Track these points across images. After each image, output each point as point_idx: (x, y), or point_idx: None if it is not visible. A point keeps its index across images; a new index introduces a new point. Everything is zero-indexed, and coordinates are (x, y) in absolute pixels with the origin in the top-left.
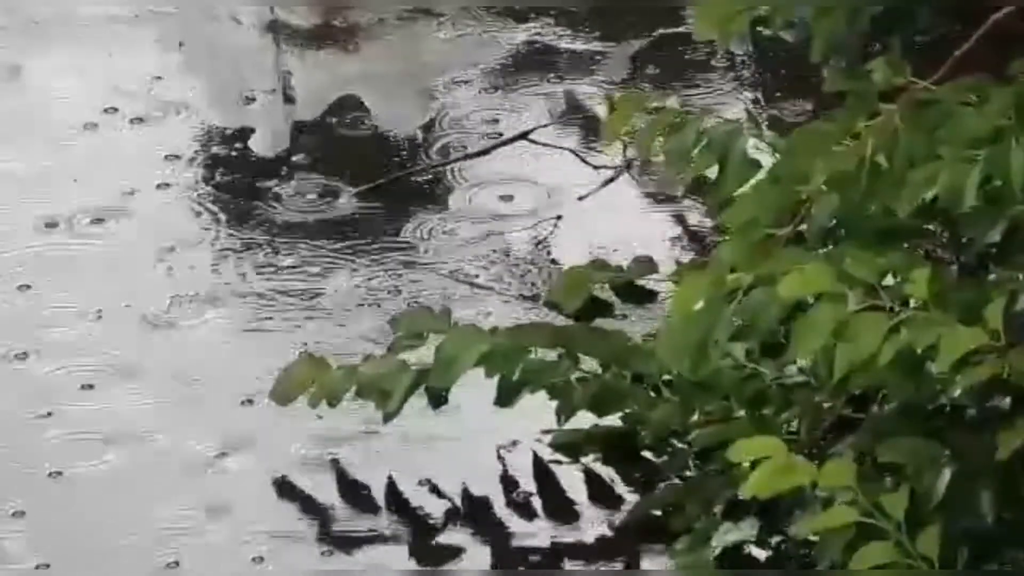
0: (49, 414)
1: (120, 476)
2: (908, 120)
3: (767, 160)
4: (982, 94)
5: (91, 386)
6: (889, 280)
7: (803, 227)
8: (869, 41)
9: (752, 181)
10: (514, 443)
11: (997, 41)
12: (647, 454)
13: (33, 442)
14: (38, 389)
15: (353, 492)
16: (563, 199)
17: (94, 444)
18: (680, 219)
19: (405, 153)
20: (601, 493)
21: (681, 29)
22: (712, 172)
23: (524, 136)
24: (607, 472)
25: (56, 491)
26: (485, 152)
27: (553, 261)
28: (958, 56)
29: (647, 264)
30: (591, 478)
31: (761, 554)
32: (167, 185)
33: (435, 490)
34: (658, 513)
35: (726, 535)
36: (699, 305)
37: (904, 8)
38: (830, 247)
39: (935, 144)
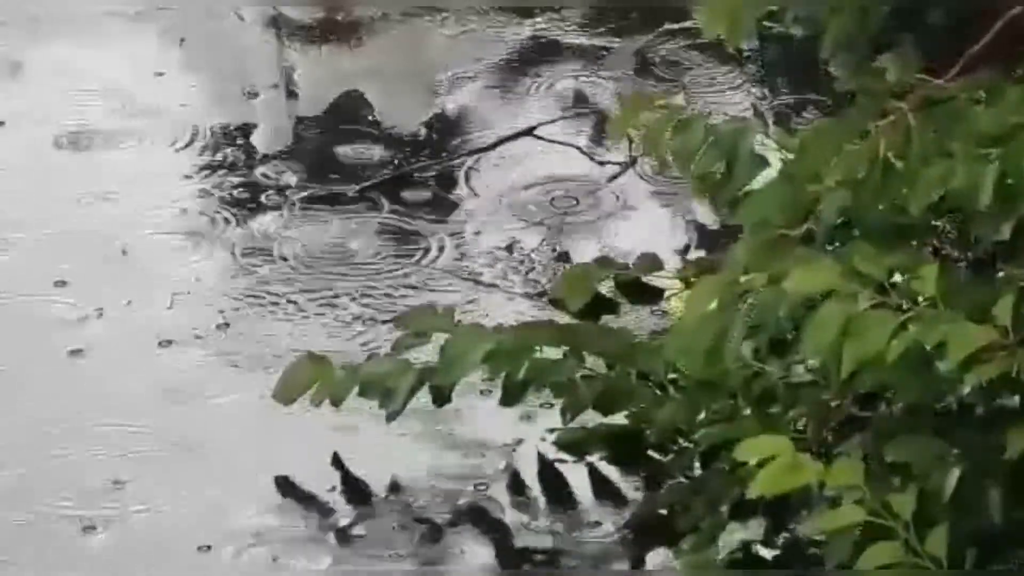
0: None
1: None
2: (921, 118)
3: (774, 158)
4: (994, 92)
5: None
6: (898, 278)
7: (814, 226)
8: (880, 37)
9: (759, 179)
10: (519, 441)
11: (1009, 39)
12: (653, 453)
13: None
14: None
15: (355, 490)
16: (568, 196)
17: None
18: (686, 216)
19: (408, 149)
20: (606, 492)
21: (687, 24)
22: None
23: (529, 132)
24: (612, 471)
25: None
26: (489, 148)
27: (558, 258)
28: (970, 54)
29: (652, 261)
30: (596, 477)
31: (768, 554)
32: (168, 182)
33: (438, 489)
34: (664, 512)
35: (732, 535)
36: (712, 306)
37: (915, 5)
38: (839, 245)
39: (947, 142)
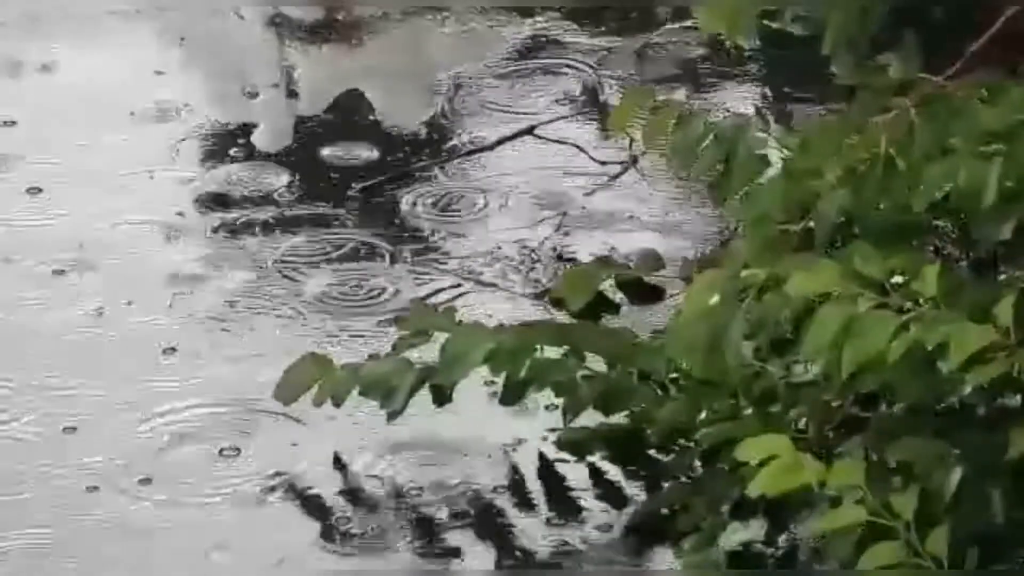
0: None
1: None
2: (922, 115)
3: (774, 156)
4: (995, 90)
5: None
6: (899, 278)
7: (814, 224)
8: (881, 35)
9: (761, 177)
10: (520, 441)
11: (1009, 37)
12: (654, 453)
13: None
14: None
15: (356, 490)
16: (569, 195)
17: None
18: (687, 215)
19: (409, 149)
20: (607, 492)
21: (687, 23)
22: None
23: (529, 131)
24: (613, 471)
25: None
26: (490, 148)
27: (559, 258)
28: (971, 53)
29: (653, 260)
30: (597, 477)
31: (769, 554)
32: (169, 181)
33: (439, 488)
34: (665, 512)
35: (733, 534)
36: (713, 301)
37: (916, 3)
38: (840, 244)
39: (948, 139)
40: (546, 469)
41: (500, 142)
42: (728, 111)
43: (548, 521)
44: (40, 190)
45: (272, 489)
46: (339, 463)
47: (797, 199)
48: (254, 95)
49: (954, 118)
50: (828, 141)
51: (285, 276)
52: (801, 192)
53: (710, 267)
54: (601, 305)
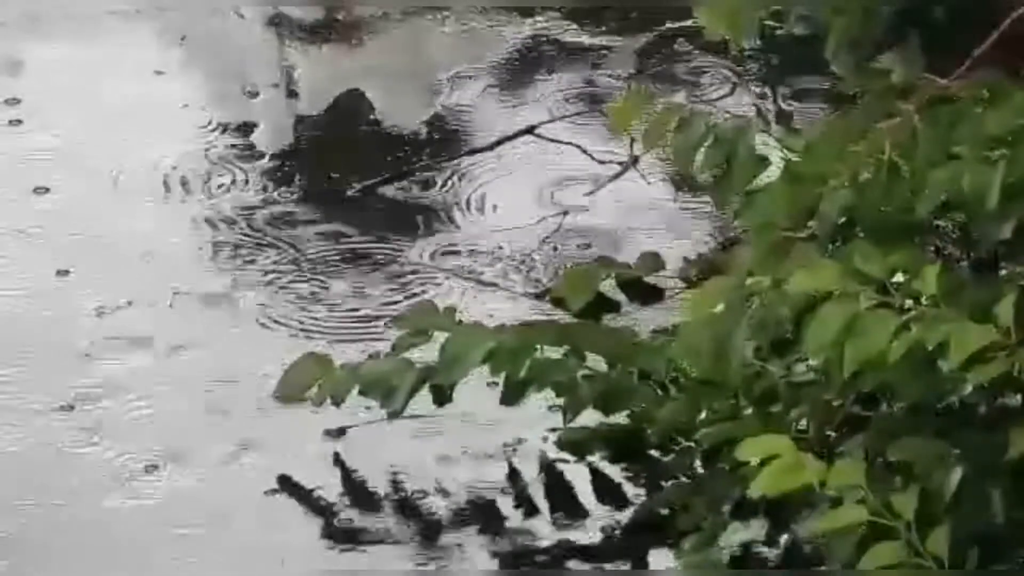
0: None
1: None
2: (925, 119)
3: (775, 156)
4: (998, 93)
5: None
6: (900, 277)
7: (817, 228)
8: (883, 37)
9: (761, 178)
10: (520, 441)
11: (1011, 40)
12: (654, 452)
13: None
14: None
15: (356, 490)
16: (569, 195)
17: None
18: (687, 215)
19: (409, 149)
20: (607, 492)
21: (688, 23)
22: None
23: (530, 131)
24: (613, 471)
25: None
26: (490, 148)
27: (559, 258)
28: (975, 56)
29: (654, 260)
30: (597, 476)
31: (769, 554)
32: (169, 181)
33: (440, 488)
34: (665, 512)
35: (734, 534)
36: (719, 308)
37: (919, 7)
38: (842, 244)
39: (951, 143)
40: (547, 468)
41: (500, 142)
42: (728, 112)
43: (551, 521)
44: (47, 189)
45: (275, 490)
46: (339, 462)
47: (801, 205)
48: (254, 95)
49: (957, 123)
50: (832, 146)
51: (285, 275)
52: (805, 198)
53: (710, 269)
54: (601, 305)
